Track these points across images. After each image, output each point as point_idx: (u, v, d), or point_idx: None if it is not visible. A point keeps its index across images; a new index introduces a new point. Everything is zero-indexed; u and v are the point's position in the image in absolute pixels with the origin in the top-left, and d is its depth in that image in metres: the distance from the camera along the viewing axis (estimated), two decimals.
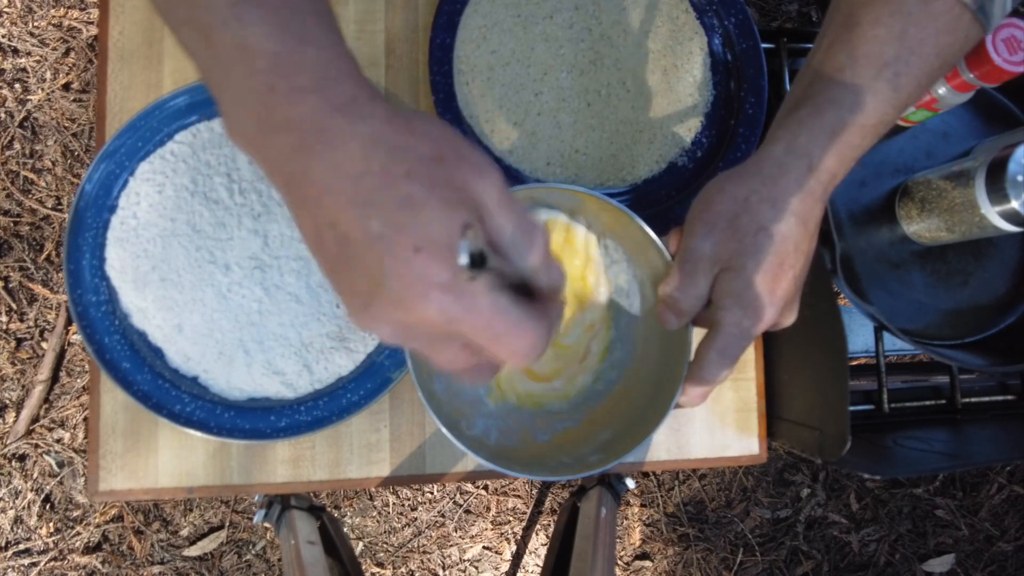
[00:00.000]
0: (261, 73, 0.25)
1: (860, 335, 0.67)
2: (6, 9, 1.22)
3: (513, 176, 0.55)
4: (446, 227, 0.25)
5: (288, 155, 0.26)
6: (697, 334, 0.41)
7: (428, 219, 0.25)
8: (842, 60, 0.38)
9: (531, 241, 0.27)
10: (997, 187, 0.51)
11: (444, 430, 0.41)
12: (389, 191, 0.25)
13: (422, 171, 0.25)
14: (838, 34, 0.38)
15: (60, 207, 1.21)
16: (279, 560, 1.19)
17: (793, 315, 0.40)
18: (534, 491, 1.25)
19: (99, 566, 1.16)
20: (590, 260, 0.50)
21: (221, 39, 0.26)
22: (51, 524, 1.16)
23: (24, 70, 1.22)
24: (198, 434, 0.50)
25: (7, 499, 1.16)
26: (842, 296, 0.61)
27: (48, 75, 1.22)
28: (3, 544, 1.15)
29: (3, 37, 1.22)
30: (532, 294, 0.29)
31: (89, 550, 1.16)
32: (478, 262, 0.25)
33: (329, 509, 1.21)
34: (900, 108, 0.38)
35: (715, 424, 0.58)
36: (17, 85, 1.22)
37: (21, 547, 1.15)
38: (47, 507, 1.17)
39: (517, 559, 1.24)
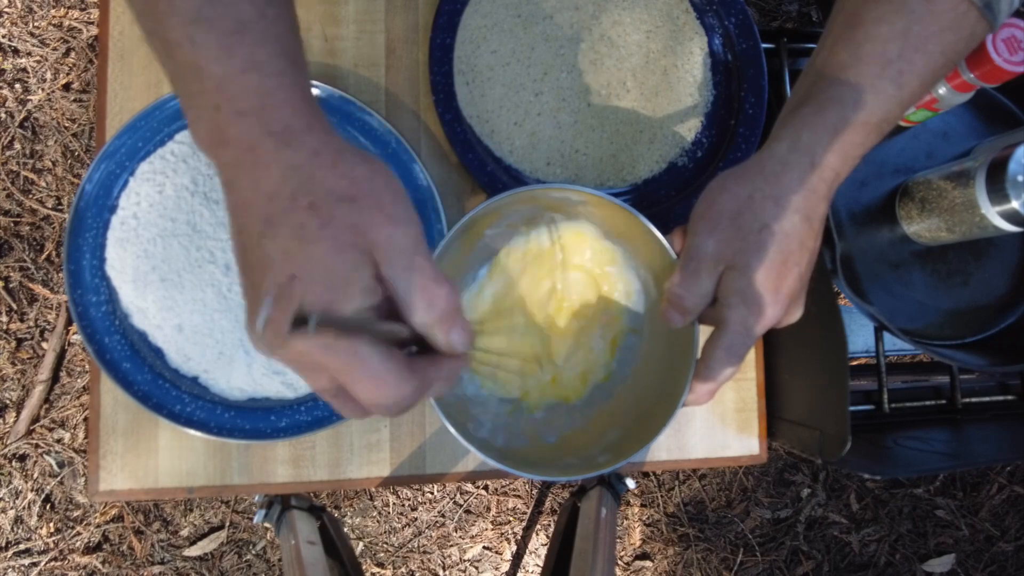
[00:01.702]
0: (209, 92, 0.27)
1: (860, 335, 0.67)
2: (6, 9, 1.22)
3: (513, 176, 0.55)
4: (327, 264, 0.26)
5: (226, 166, 0.28)
6: (703, 332, 0.41)
7: (312, 253, 0.26)
8: (845, 58, 0.38)
9: (421, 299, 0.28)
10: (997, 187, 0.51)
11: (453, 432, 0.41)
12: (287, 217, 0.26)
13: (326, 206, 0.27)
14: (841, 32, 0.38)
15: (60, 207, 1.21)
16: (279, 560, 1.19)
17: (798, 312, 0.40)
18: (534, 491, 1.25)
19: (99, 566, 1.16)
20: (603, 268, 0.50)
21: (178, 56, 0.28)
22: (51, 524, 1.16)
23: (24, 70, 1.22)
24: (198, 434, 0.50)
25: (7, 499, 1.16)
26: (842, 296, 0.61)
27: (48, 75, 1.22)
28: (3, 544, 1.15)
29: (3, 37, 1.22)
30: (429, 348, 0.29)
31: (89, 550, 1.16)
32: (301, 321, 0.26)
33: (329, 509, 1.21)
34: (904, 106, 0.38)
35: (715, 424, 0.58)
36: (17, 85, 1.22)
37: (21, 547, 1.16)
38: (47, 507, 1.17)
39: (517, 559, 1.24)
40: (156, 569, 1.17)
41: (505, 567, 1.23)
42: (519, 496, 1.24)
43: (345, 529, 1.21)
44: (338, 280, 0.26)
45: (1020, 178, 0.50)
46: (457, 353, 0.30)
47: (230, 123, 0.27)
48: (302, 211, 0.26)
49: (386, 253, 0.27)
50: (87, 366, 1.19)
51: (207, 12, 0.27)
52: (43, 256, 1.20)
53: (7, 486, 1.16)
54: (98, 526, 1.17)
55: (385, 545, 1.22)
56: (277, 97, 0.28)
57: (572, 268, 0.51)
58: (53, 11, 1.23)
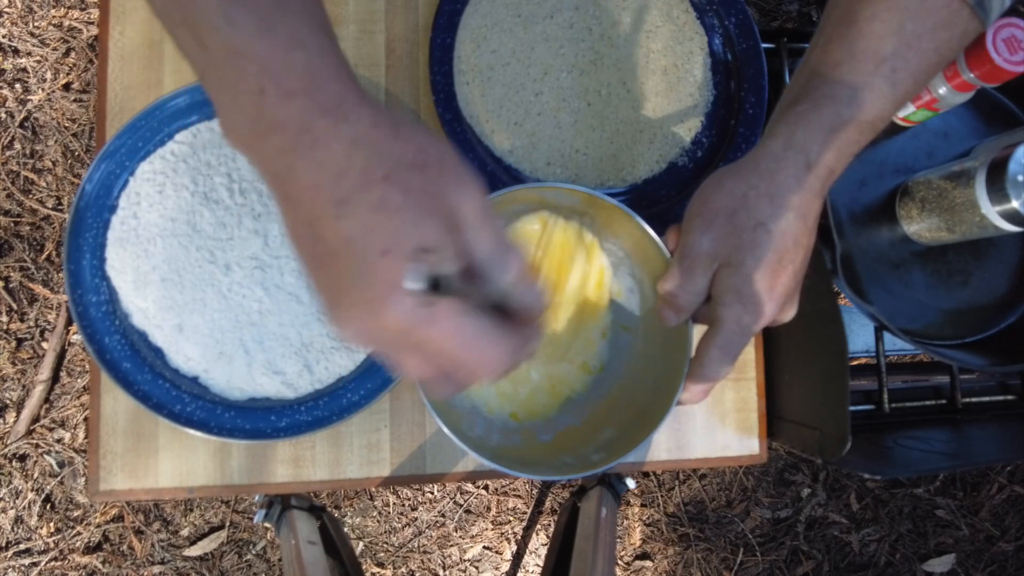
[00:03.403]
0: (252, 76, 0.26)
1: (860, 335, 0.67)
2: (6, 9, 1.22)
3: (513, 176, 0.55)
4: (417, 233, 0.25)
5: (277, 154, 0.26)
6: (698, 331, 0.41)
7: (400, 224, 0.25)
8: (839, 56, 0.38)
9: (506, 259, 0.27)
10: (997, 187, 0.51)
11: (447, 431, 0.41)
12: (365, 192, 0.25)
13: (401, 176, 0.26)
14: (835, 30, 0.38)
15: (60, 207, 1.21)
16: (279, 560, 1.19)
17: (793, 310, 0.40)
18: (534, 491, 1.25)
19: (100, 566, 1.16)
20: (595, 264, 0.50)
21: (213, 41, 0.26)
22: (52, 524, 1.16)
23: (24, 70, 1.22)
24: (198, 434, 0.50)
25: (8, 499, 1.16)
26: (842, 296, 0.61)
27: (48, 75, 1.22)
28: (4, 544, 1.15)
29: (3, 37, 1.22)
30: (508, 314, 0.29)
31: (90, 550, 1.16)
32: (432, 286, 0.25)
33: (329, 509, 1.21)
34: (898, 104, 0.38)
35: (715, 424, 0.58)
36: (17, 85, 1.22)
37: (22, 547, 1.16)
38: (48, 507, 1.17)
39: (517, 559, 1.24)
40: (156, 569, 1.17)
41: (505, 567, 1.23)
42: (519, 496, 1.25)
43: (345, 529, 1.21)
44: (431, 248, 0.26)
45: (1020, 178, 0.50)
46: (536, 312, 0.29)
47: (278, 106, 0.26)
48: (379, 184, 0.25)
49: (464, 217, 0.26)
50: (87, 366, 1.19)
51: None
52: (43, 256, 1.20)
53: (7, 486, 1.16)
54: (98, 526, 1.17)
55: (385, 545, 1.22)
56: (325, 73, 0.27)
57: (567, 266, 0.51)
58: (53, 11, 1.23)
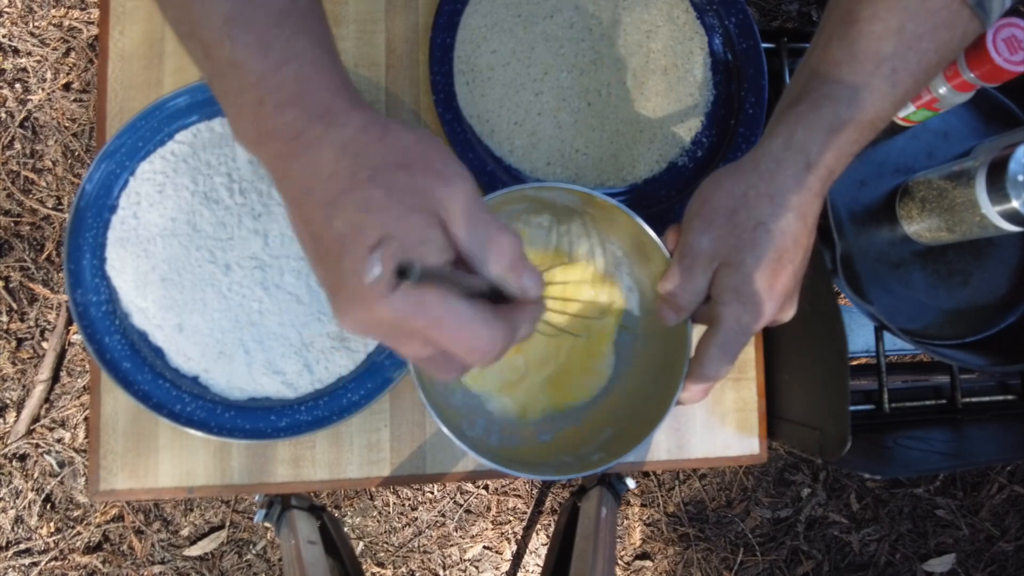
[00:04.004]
0: (251, 88, 0.28)
1: (860, 335, 0.67)
2: (6, 9, 1.22)
3: (513, 176, 0.55)
4: (400, 229, 0.27)
5: (276, 158, 0.29)
6: (697, 331, 0.41)
7: (384, 222, 0.26)
8: (839, 56, 0.38)
9: (491, 250, 0.29)
10: (998, 187, 0.51)
11: (445, 430, 0.41)
12: (352, 194, 0.27)
13: (385, 176, 0.27)
14: (836, 30, 0.38)
15: (60, 207, 1.21)
16: (279, 560, 1.19)
17: (792, 309, 0.40)
18: (534, 491, 1.25)
19: (100, 566, 1.16)
20: (606, 276, 0.50)
21: (217, 55, 0.29)
22: (52, 524, 1.16)
23: (25, 70, 1.22)
24: (198, 434, 0.50)
25: (8, 499, 1.16)
26: (842, 296, 0.61)
27: (49, 75, 1.22)
28: (4, 544, 1.15)
29: (3, 37, 1.22)
30: (504, 300, 0.30)
31: (90, 550, 1.17)
32: (403, 273, 0.26)
33: (329, 509, 1.21)
34: (898, 104, 0.38)
35: (715, 424, 0.58)
36: (18, 85, 1.22)
37: (22, 547, 1.16)
38: (48, 507, 1.17)
39: (517, 559, 1.24)
40: (156, 569, 1.17)
41: (505, 567, 1.23)
42: (519, 496, 1.25)
43: (345, 529, 1.21)
44: (414, 242, 0.27)
45: (1020, 178, 0.50)
46: (531, 297, 0.31)
47: (275, 115, 0.28)
48: (364, 185, 0.27)
49: (450, 211, 0.28)
50: (87, 366, 1.19)
51: (242, 9, 0.28)
52: (43, 256, 1.20)
53: (7, 486, 1.16)
54: (98, 526, 1.17)
55: (385, 545, 1.22)
56: (316, 83, 0.29)
57: (567, 267, 0.51)
58: (53, 11, 1.23)
